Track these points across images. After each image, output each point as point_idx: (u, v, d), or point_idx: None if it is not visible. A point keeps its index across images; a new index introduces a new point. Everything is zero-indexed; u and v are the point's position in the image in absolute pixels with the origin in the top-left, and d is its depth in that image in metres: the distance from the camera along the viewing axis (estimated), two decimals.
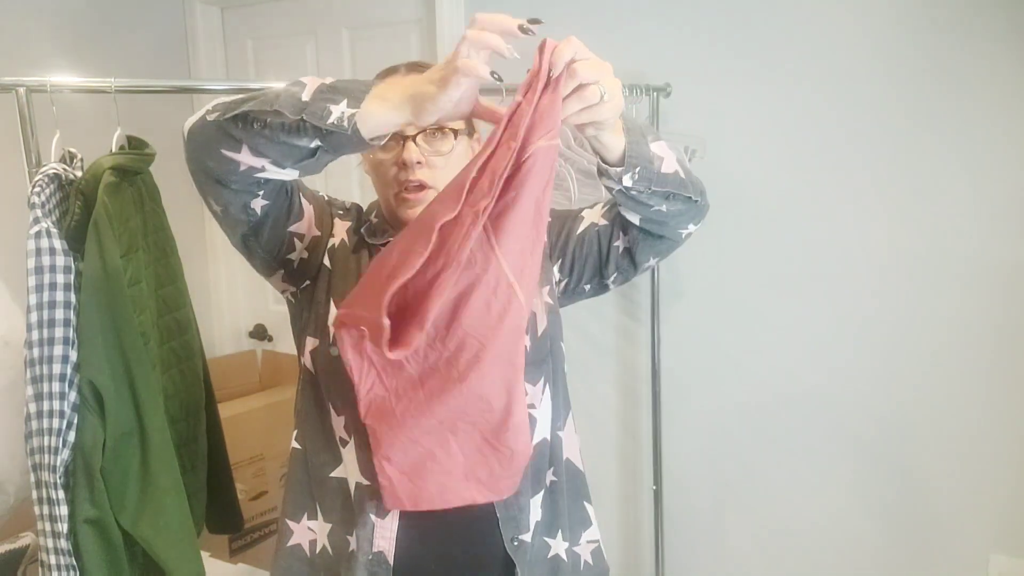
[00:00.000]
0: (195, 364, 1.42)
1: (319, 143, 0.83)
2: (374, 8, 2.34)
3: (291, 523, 1.10)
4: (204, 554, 1.37)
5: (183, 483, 1.26)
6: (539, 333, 1.07)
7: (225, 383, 2.51)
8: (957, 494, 1.72)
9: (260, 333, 2.74)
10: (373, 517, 1.02)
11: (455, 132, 1.04)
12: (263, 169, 0.87)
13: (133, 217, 1.22)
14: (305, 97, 0.81)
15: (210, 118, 0.85)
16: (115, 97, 1.19)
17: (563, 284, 1.13)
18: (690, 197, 0.99)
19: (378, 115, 0.80)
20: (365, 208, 1.17)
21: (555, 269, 1.12)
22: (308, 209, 1.06)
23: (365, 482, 1.02)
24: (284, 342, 2.74)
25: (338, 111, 0.80)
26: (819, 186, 1.77)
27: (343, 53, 2.42)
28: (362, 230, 1.11)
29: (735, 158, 1.84)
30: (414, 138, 1.01)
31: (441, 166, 1.04)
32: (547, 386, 1.08)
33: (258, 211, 0.96)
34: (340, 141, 0.82)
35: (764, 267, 1.86)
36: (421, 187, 1.03)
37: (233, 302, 2.79)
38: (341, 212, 1.15)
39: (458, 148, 1.05)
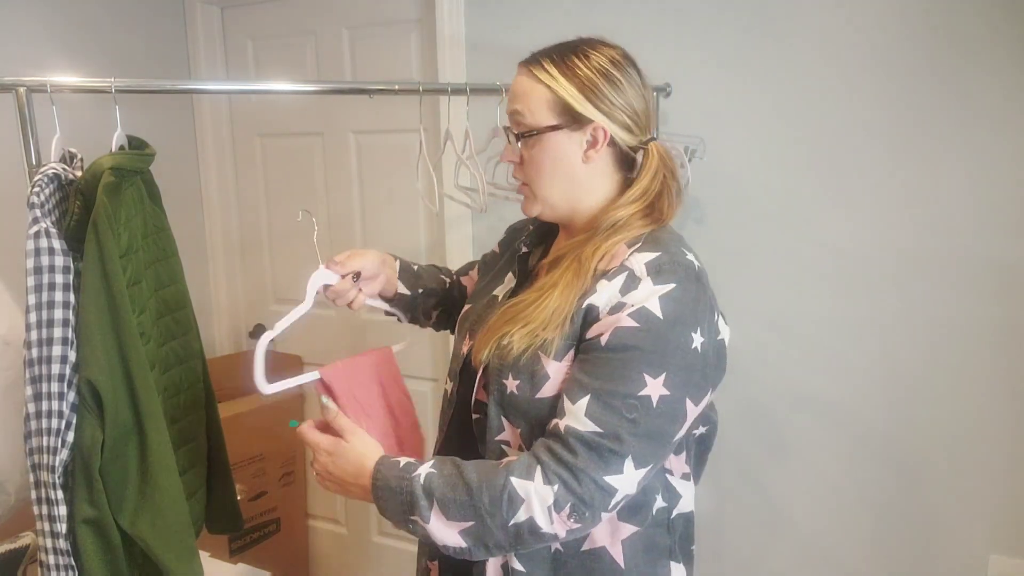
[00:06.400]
0: (195, 364, 1.42)
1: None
2: (374, 8, 2.34)
3: None
4: (204, 554, 1.37)
5: (183, 483, 1.25)
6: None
7: (225, 383, 2.50)
8: (957, 494, 1.72)
9: (260, 333, 2.73)
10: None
11: (521, 135, 1.05)
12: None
13: (133, 217, 1.21)
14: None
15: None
16: (115, 97, 1.18)
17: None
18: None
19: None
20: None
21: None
22: None
23: None
24: (284, 342, 2.73)
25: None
26: (819, 186, 1.77)
27: (343, 53, 2.42)
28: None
29: (735, 158, 1.84)
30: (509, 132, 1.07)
31: (532, 168, 1.06)
32: None
33: None
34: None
35: (763, 267, 1.86)
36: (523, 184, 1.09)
37: (233, 302, 2.79)
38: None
39: (543, 145, 1.03)
